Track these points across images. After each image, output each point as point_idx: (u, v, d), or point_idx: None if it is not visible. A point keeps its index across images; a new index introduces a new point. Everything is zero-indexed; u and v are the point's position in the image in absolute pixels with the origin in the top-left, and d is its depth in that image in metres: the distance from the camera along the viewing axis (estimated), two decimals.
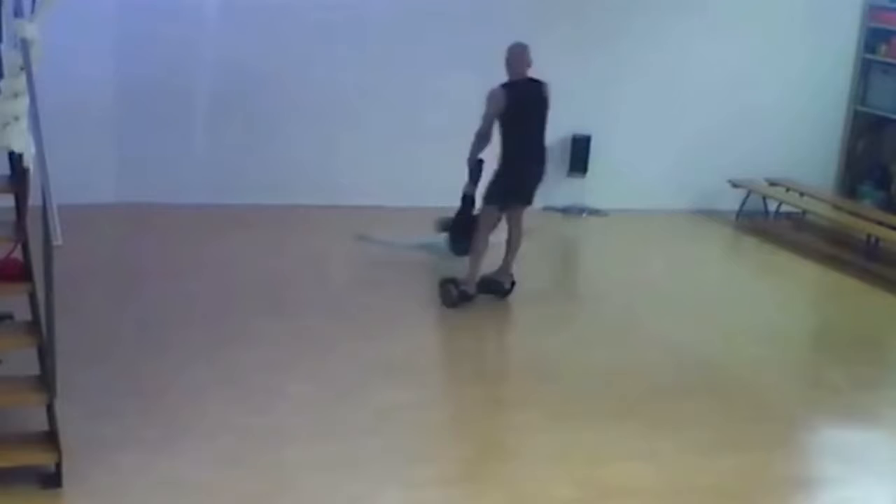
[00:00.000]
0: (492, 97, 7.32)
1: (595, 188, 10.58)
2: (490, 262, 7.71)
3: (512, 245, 7.78)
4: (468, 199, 7.66)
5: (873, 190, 11.07)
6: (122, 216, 9.01)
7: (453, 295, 7.50)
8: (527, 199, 7.69)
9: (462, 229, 7.69)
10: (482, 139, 7.42)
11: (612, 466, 5.43)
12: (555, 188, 10.55)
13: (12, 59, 4.80)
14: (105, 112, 9.10)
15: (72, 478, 4.76)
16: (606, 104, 10.46)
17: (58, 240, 4.47)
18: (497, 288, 7.75)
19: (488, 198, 7.54)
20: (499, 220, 7.65)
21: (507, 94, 7.31)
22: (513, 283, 7.78)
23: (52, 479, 4.76)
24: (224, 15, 9.37)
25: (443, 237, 7.94)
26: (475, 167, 7.57)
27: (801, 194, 10.60)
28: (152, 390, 5.81)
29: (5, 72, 4.88)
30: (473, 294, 7.56)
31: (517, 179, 7.51)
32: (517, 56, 7.45)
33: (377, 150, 9.94)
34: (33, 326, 4.93)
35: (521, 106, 7.36)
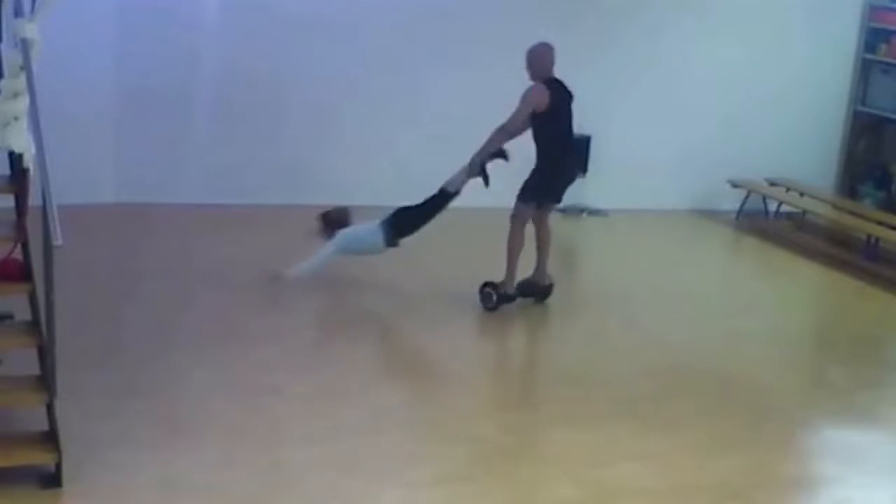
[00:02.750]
0: (534, 93, 7.33)
1: (595, 188, 10.57)
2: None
3: (543, 244, 7.76)
4: (447, 196, 7.51)
5: (873, 190, 11.08)
6: (122, 216, 9.02)
7: (493, 299, 7.49)
8: (559, 197, 7.79)
9: (414, 221, 7.54)
10: (510, 135, 7.40)
11: (612, 467, 5.43)
12: None
13: (12, 59, 4.80)
14: (105, 112, 9.11)
15: (72, 478, 4.76)
16: (606, 104, 10.45)
17: (58, 240, 4.47)
18: (535, 290, 7.75)
19: (528, 196, 7.51)
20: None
21: (551, 92, 7.36)
22: (551, 284, 7.79)
23: (52, 479, 4.76)
24: (223, 15, 9.38)
25: (365, 232, 7.57)
26: (485, 162, 7.50)
27: (801, 194, 10.60)
28: (152, 390, 5.81)
29: (5, 72, 4.88)
30: (514, 295, 7.57)
31: (559, 177, 7.58)
32: (547, 55, 7.47)
33: (377, 149, 9.94)
34: (33, 326, 4.93)
35: (560, 103, 7.43)
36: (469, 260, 8.52)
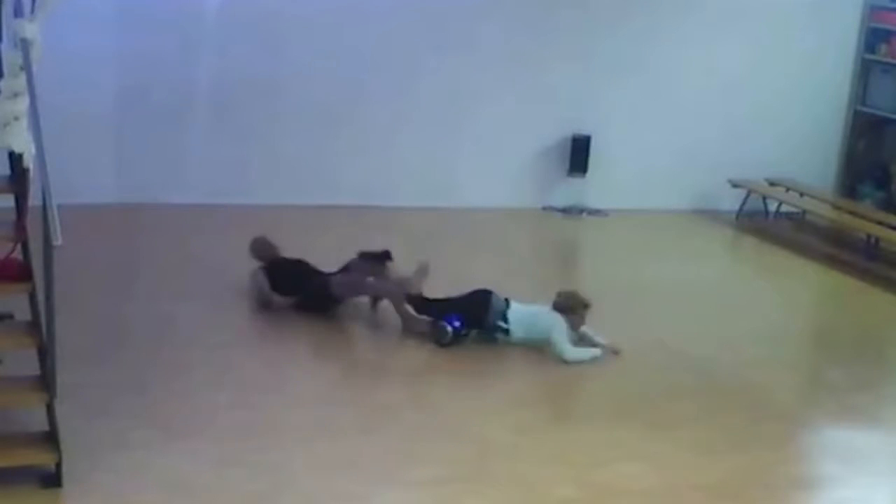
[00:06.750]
0: None
1: (595, 188, 10.58)
2: None
3: None
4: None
5: (873, 190, 11.07)
6: (122, 216, 9.02)
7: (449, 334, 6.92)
8: None
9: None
10: None
11: (611, 466, 5.43)
12: (555, 188, 10.59)
13: (12, 59, 4.80)
14: (105, 112, 9.11)
15: (72, 478, 4.77)
16: (606, 104, 10.47)
17: (58, 240, 4.48)
18: None
19: None
20: None
21: None
22: None
23: (52, 479, 4.76)
24: (223, 17, 9.38)
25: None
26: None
27: (801, 194, 10.60)
28: (152, 390, 5.81)
29: (5, 72, 4.88)
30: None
31: None
32: None
33: (376, 149, 9.94)
34: (33, 326, 4.93)
35: None
36: (469, 261, 8.53)
